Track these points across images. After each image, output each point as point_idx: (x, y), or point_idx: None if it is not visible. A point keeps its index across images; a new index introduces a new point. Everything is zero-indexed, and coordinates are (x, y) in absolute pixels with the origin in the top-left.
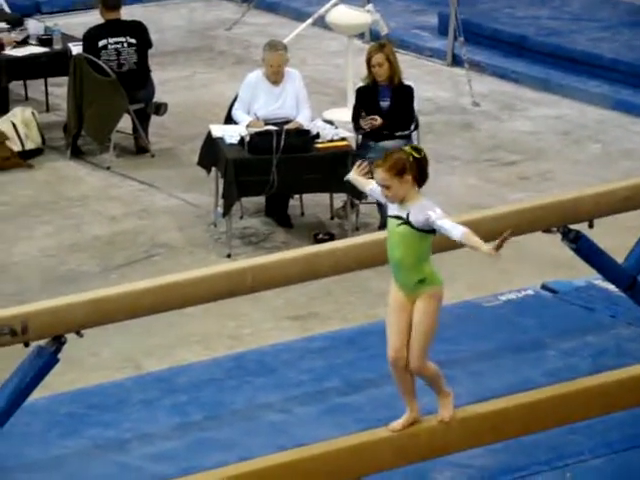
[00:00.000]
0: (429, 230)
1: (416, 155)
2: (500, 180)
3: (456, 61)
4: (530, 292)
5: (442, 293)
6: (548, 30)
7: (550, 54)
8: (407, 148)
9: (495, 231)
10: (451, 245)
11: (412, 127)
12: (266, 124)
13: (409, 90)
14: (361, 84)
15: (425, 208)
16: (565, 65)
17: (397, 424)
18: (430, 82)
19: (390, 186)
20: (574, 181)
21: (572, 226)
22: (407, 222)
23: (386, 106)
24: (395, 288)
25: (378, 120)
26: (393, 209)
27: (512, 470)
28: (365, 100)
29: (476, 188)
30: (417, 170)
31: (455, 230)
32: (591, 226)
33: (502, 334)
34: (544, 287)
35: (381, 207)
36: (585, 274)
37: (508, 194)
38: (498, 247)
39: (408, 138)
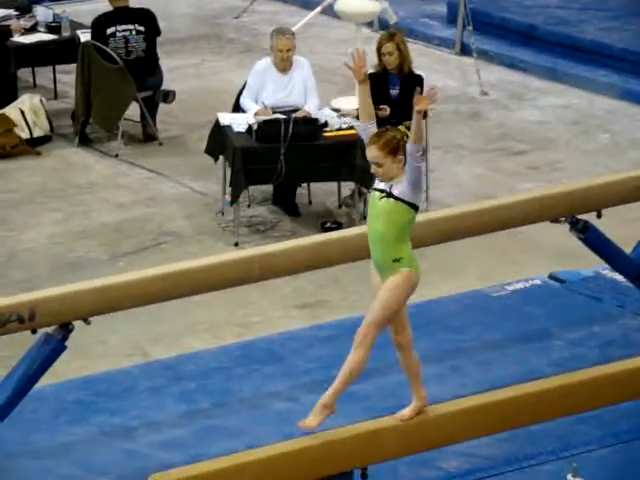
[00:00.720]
0: (411, 203)
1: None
2: (508, 170)
3: (464, 50)
4: (538, 282)
5: (416, 278)
6: (557, 19)
7: (559, 43)
8: (401, 127)
9: (504, 221)
10: (459, 233)
11: None
12: (274, 112)
13: (419, 79)
14: (371, 70)
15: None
16: (574, 54)
17: (405, 413)
18: (438, 71)
19: (382, 164)
20: (583, 171)
21: (580, 216)
22: (390, 194)
23: (395, 94)
24: (375, 274)
25: (387, 110)
26: (378, 182)
27: (518, 459)
28: (375, 87)
29: (484, 178)
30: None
31: (407, 149)
32: (599, 216)
33: (509, 324)
34: (552, 277)
35: None
36: (593, 264)
37: (516, 184)
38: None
39: None
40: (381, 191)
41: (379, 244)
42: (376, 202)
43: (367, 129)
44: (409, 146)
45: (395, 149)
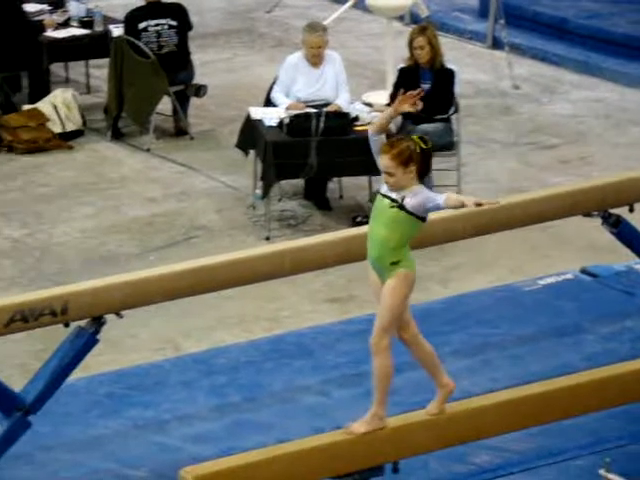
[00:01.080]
0: (420, 216)
1: (423, 146)
2: (540, 164)
3: (496, 44)
4: (570, 276)
5: (413, 277)
6: (589, 12)
7: (591, 37)
8: (415, 137)
9: (535, 215)
10: (491, 227)
11: (451, 111)
12: (305, 106)
13: (450, 74)
14: (402, 65)
15: (419, 192)
16: (606, 48)
17: (432, 407)
18: (470, 65)
19: (394, 174)
20: (615, 165)
21: (612, 210)
22: (401, 206)
23: (427, 89)
24: (371, 272)
25: (420, 105)
26: (388, 190)
27: (551, 454)
28: (406, 81)
29: (516, 172)
30: (422, 162)
31: (439, 200)
32: (632, 210)
33: (541, 318)
34: (584, 271)
35: None
36: (625, 258)
37: (548, 178)
38: (478, 204)
39: (448, 121)
40: (392, 200)
41: (379, 247)
42: (385, 209)
43: (376, 139)
44: (440, 206)
45: (407, 160)
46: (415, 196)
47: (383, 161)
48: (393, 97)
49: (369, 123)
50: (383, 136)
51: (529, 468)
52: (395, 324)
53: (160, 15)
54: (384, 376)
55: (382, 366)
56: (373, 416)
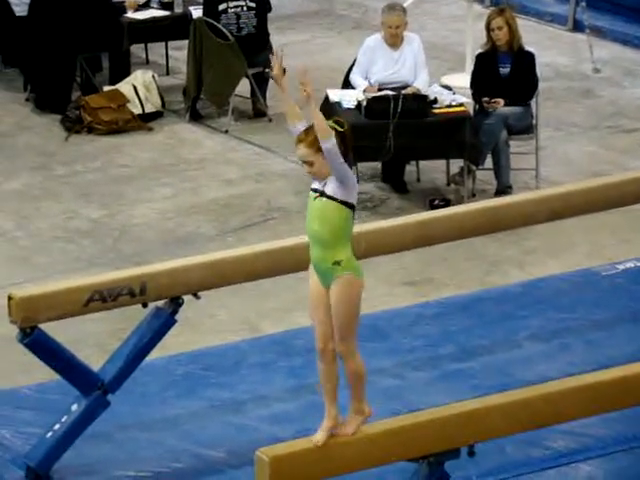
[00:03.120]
0: (343, 201)
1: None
2: (620, 147)
3: (577, 26)
4: None
5: (360, 284)
6: None
7: None
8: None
9: (615, 199)
10: (569, 211)
11: (534, 95)
12: (383, 88)
13: (530, 57)
14: (480, 50)
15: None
16: None
17: (317, 435)
18: (550, 47)
19: (313, 162)
20: None
21: None
22: (323, 193)
23: (506, 72)
24: (313, 278)
25: (501, 102)
26: (314, 182)
27: (628, 440)
28: (485, 67)
29: (596, 155)
30: (340, 145)
31: (328, 145)
32: None
33: (619, 303)
34: None
35: (498, 173)
36: None
37: (628, 162)
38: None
39: (527, 105)
40: (315, 190)
41: (317, 245)
42: (311, 202)
43: (297, 130)
44: (322, 145)
45: None
46: (334, 180)
47: (300, 150)
48: (473, 85)
49: (448, 105)
50: (303, 125)
51: (605, 454)
52: (353, 329)
53: None
54: (358, 376)
55: (354, 369)
56: (358, 413)
